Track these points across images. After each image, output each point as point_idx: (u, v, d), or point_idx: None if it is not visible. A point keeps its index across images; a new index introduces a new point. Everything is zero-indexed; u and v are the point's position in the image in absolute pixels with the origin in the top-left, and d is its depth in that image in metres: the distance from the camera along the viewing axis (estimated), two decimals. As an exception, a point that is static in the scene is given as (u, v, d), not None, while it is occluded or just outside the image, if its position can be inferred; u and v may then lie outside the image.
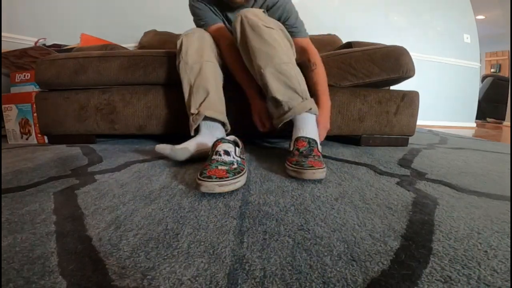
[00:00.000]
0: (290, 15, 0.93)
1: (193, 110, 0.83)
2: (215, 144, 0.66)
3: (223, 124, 0.87)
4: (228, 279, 0.30)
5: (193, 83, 0.85)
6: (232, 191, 0.57)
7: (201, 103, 0.83)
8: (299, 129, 0.79)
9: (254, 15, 0.77)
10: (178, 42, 0.88)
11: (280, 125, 0.84)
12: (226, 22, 0.98)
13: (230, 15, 0.97)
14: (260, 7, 0.92)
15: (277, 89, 0.78)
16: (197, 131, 0.85)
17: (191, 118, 0.84)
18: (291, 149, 0.75)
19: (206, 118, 0.83)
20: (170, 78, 1.05)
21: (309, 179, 0.64)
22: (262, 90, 0.86)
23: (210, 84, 0.84)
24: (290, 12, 0.93)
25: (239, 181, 0.58)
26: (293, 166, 0.66)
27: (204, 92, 0.84)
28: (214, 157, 0.63)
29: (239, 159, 0.66)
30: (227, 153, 0.64)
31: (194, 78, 0.85)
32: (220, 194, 0.55)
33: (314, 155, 0.70)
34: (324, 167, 0.65)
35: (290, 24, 0.93)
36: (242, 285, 0.29)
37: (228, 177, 0.55)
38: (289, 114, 0.79)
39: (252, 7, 0.91)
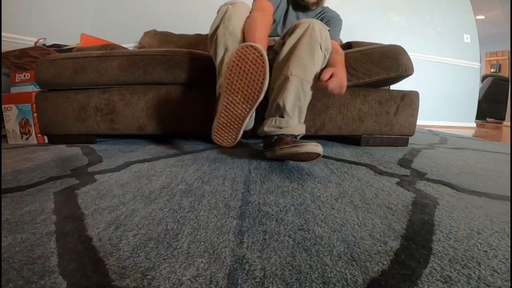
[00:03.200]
0: (332, 24, 1.05)
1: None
2: None
3: None
4: (228, 279, 0.30)
5: (229, 48, 0.82)
6: (232, 191, 0.57)
7: None
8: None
9: (320, 31, 0.81)
10: (223, 8, 0.84)
11: (264, 134, 0.85)
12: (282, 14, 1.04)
13: (291, 11, 1.05)
14: (318, 12, 1.08)
15: (290, 101, 0.81)
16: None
17: (219, 82, 0.83)
18: (274, 140, 0.81)
19: None
20: (170, 77, 1.05)
21: (309, 152, 0.67)
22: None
23: None
24: (336, 24, 1.07)
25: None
26: (290, 144, 0.70)
27: None
28: None
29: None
30: None
31: (232, 44, 0.82)
32: (220, 194, 0.55)
33: None
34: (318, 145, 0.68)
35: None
36: (242, 285, 0.29)
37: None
38: (285, 130, 0.81)
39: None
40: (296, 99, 0.81)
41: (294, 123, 0.83)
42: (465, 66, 2.83)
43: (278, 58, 0.86)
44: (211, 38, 0.86)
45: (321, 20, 1.06)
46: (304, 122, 0.89)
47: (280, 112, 0.82)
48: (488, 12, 4.22)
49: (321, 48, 0.81)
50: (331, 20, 1.07)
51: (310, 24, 0.81)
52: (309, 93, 0.84)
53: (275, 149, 0.76)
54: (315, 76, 0.83)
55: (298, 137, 0.87)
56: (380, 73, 1.04)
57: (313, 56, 0.81)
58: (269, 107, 0.87)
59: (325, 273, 0.31)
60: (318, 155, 0.69)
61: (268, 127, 0.84)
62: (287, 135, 0.80)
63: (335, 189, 0.59)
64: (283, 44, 0.87)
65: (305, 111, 0.86)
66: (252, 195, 0.55)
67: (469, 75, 2.86)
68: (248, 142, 1.16)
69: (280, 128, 0.82)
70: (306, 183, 0.64)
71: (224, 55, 0.83)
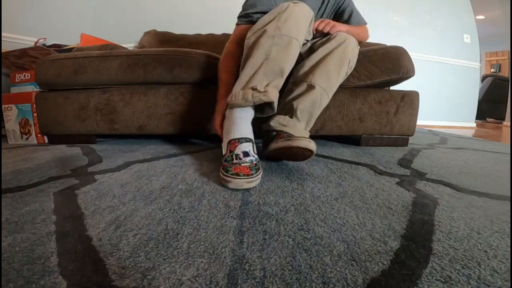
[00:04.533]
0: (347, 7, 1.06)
1: (259, 86, 0.69)
2: (232, 143, 0.67)
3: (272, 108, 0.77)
4: (228, 279, 0.30)
5: (274, 56, 0.71)
6: (232, 191, 0.57)
7: (270, 83, 0.71)
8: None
9: (353, 48, 0.83)
10: (283, 4, 0.74)
11: (268, 128, 0.83)
12: None
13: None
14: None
15: (303, 105, 0.80)
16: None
17: (250, 92, 0.69)
18: (272, 136, 0.80)
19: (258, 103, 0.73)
20: (170, 77, 1.05)
21: (300, 147, 0.66)
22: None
23: (287, 67, 0.74)
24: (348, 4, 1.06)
25: (260, 177, 0.63)
26: (284, 139, 0.70)
27: (279, 72, 0.73)
28: (235, 161, 0.64)
29: (256, 156, 0.68)
30: (246, 154, 0.66)
31: (277, 50, 0.71)
32: (220, 194, 0.55)
33: None
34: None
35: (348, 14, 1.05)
36: (242, 285, 0.29)
37: (252, 174, 0.60)
38: (287, 129, 0.79)
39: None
40: (311, 106, 0.81)
41: (300, 127, 0.82)
42: (465, 66, 2.83)
43: (303, 63, 0.85)
44: (255, 31, 0.75)
45: (334, 6, 1.05)
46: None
47: (291, 113, 0.82)
48: (488, 12, 4.22)
49: (348, 64, 0.83)
50: (342, 5, 1.04)
51: (346, 39, 0.82)
52: (324, 104, 0.84)
53: (271, 145, 0.75)
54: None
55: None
56: (382, 75, 1.04)
57: (340, 70, 0.82)
58: (281, 105, 0.84)
59: (325, 273, 0.31)
60: (311, 152, 0.67)
61: (274, 122, 0.81)
62: (285, 132, 0.78)
63: (335, 189, 0.59)
64: (311, 50, 0.86)
65: (314, 120, 0.86)
66: (252, 195, 0.55)
67: (469, 75, 2.86)
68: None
69: (284, 126, 0.80)
70: (306, 183, 0.64)
71: (262, 63, 0.71)
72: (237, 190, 0.58)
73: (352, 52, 0.83)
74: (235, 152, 0.65)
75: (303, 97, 0.80)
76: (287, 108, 0.83)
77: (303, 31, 0.77)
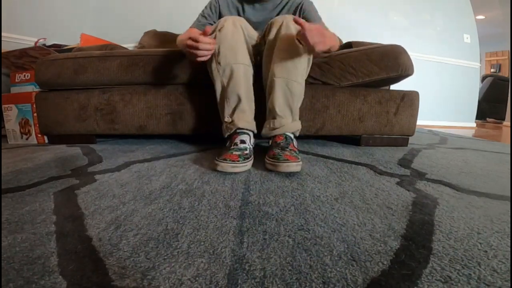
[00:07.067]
0: (306, 10, 1.06)
1: (226, 118, 0.84)
2: (233, 137, 0.80)
3: (252, 132, 0.86)
4: (228, 279, 0.30)
5: (226, 87, 0.81)
6: (232, 191, 0.57)
7: (234, 110, 0.83)
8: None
9: (295, 25, 0.78)
10: (212, 35, 0.81)
11: (267, 136, 0.86)
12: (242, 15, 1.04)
13: (246, 6, 1.06)
14: (279, 3, 1.06)
15: (278, 102, 0.82)
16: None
17: (224, 124, 0.85)
18: (270, 144, 0.83)
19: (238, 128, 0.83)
20: (170, 77, 1.05)
21: (284, 172, 0.68)
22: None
23: (242, 90, 0.82)
24: (310, 9, 1.06)
25: (247, 165, 0.71)
26: (271, 159, 0.71)
27: (236, 98, 0.82)
28: (232, 147, 0.76)
29: (251, 147, 0.79)
30: (243, 141, 0.78)
31: (226, 81, 0.81)
32: (220, 194, 0.55)
33: (290, 149, 0.75)
34: (299, 161, 0.70)
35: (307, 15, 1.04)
36: (242, 285, 0.29)
37: (239, 160, 0.69)
38: (279, 130, 0.83)
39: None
40: (284, 99, 0.81)
41: (287, 122, 0.83)
42: (465, 66, 2.83)
43: (263, 60, 0.87)
44: (209, 68, 0.85)
45: (291, 9, 1.05)
46: (300, 119, 0.89)
47: (273, 114, 0.83)
48: (488, 12, 4.22)
49: (300, 42, 0.78)
50: (303, 7, 1.05)
51: (284, 20, 0.80)
52: (297, 91, 0.82)
53: (266, 157, 0.75)
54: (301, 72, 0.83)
55: (296, 134, 0.88)
56: (380, 72, 1.04)
57: (291, 53, 0.79)
58: (267, 111, 0.87)
59: (325, 273, 0.31)
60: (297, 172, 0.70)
61: (265, 130, 0.86)
62: (280, 135, 0.82)
63: (335, 189, 0.59)
64: (265, 43, 0.87)
65: (298, 109, 0.86)
66: (252, 195, 0.55)
67: (469, 75, 2.86)
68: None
69: (274, 129, 0.83)
70: (306, 183, 0.64)
71: (221, 91, 0.83)
72: (236, 189, 0.58)
73: (295, 29, 0.78)
74: (234, 141, 0.78)
75: (273, 95, 0.81)
76: (268, 111, 0.86)
77: (241, 49, 0.81)
